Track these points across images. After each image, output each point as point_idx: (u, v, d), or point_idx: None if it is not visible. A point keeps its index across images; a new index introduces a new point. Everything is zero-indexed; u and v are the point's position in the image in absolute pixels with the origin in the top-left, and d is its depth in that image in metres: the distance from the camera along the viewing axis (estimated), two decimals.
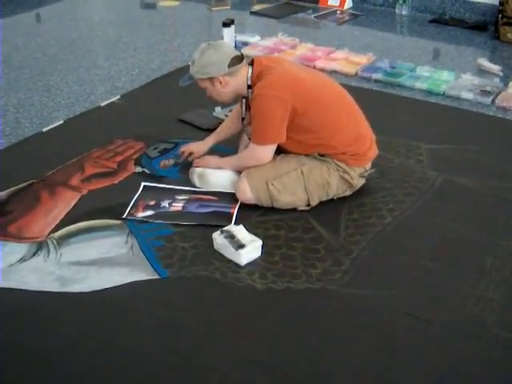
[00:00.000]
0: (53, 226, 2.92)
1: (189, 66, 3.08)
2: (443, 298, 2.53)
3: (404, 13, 6.35)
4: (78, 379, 2.17)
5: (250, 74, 2.99)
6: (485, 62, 4.88)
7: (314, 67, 4.75)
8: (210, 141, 3.38)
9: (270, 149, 3.00)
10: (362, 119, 3.11)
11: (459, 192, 3.22)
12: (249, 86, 3.00)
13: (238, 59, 3.00)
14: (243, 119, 3.17)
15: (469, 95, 4.30)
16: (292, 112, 2.90)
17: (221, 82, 2.98)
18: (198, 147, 3.37)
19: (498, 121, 4.04)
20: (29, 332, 2.37)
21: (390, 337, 2.35)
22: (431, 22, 6.12)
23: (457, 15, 6.16)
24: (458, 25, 5.96)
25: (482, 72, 4.79)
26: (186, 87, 3.10)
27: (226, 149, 3.36)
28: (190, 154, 3.36)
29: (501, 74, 4.73)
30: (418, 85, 4.49)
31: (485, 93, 4.32)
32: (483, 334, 2.35)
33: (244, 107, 3.12)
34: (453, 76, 4.62)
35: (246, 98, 3.07)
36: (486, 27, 5.84)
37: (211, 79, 2.99)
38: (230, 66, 2.96)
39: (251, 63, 3.02)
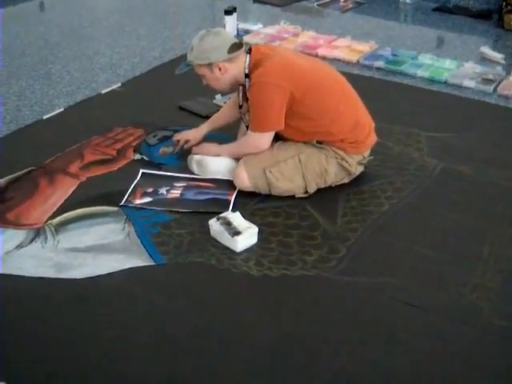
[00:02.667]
0: (51, 212, 2.93)
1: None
2: (440, 286, 2.52)
3: (408, 1, 6.31)
4: (74, 364, 2.18)
5: (247, 62, 2.98)
6: (488, 51, 4.85)
7: (316, 55, 4.74)
8: (205, 128, 3.38)
9: (268, 136, 3.00)
10: (361, 106, 3.10)
11: (458, 180, 3.21)
12: (246, 75, 2.99)
13: (236, 46, 2.99)
14: (241, 107, 3.16)
15: (471, 83, 4.29)
16: (290, 99, 2.89)
17: (220, 69, 2.97)
18: (193, 134, 3.37)
19: (499, 109, 4.02)
20: (26, 318, 2.38)
21: (386, 324, 2.35)
22: (435, 10, 6.09)
23: (461, 3, 6.11)
24: (461, 13, 5.93)
25: (484, 60, 4.76)
26: (186, 75, 3.09)
27: (225, 136, 3.35)
28: (186, 141, 3.36)
29: (504, 62, 4.70)
30: (420, 73, 4.47)
31: (487, 81, 4.30)
32: (479, 321, 2.35)
33: (241, 95, 3.11)
34: (455, 64, 4.60)
35: (244, 85, 3.06)
36: (490, 15, 5.80)
37: (210, 65, 2.97)
38: (229, 52, 2.95)
39: (249, 51, 3.01)
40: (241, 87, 3.10)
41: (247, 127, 3.08)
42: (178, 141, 3.38)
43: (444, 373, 2.15)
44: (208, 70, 2.99)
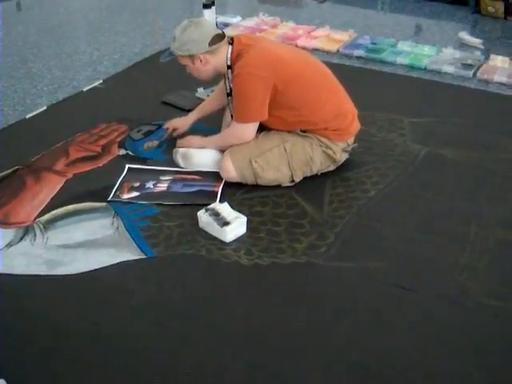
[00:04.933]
0: (39, 210, 2.93)
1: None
2: (428, 268, 2.55)
3: None
4: (67, 361, 2.18)
5: (229, 54, 2.99)
6: (466, 36, 4.90)
7: (296, 46, 4.75)
8: (193, 116, 3.42)
9: (253, 127, 3.01)
10: (343, 94, 3.12)
11: (442, 164, 3.25)
12: (228, 66, 3.01)
13: (218, 37, 3.00)
14: (228, 95, 3.15)
15: (450, 69, 4.33)
16: (273, 90, 2.91)
17: (201, 60, 2.99)
18: (181, 122, 3.42)
19: (479, 93, 4.07)
20: (22, 315, 2.37)
21: (376, 308, 2.37)
22: None
23: None
24: (438, 0, 5.96)
25: (463, 46, 4.82)
26: (168, 67, 3.10)
27: (209, 128, 3.37)
28: (174, 129, 3.40)
29: (482, 47, 4.76)
30: (400, 60, 4.51)
31: (466, 66, 4.34)
32: (468, 302, 2.38)
33: (228, 82, 3.11)
34: (434, 50, 4.64)
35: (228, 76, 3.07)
36: (466, 1, 5.84)
37: (192, 57, 2.99)
38: (210, 44, 2.96)
39: (231, 42, 3.02)
40: (227, 74, 3.10)
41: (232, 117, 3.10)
42: (167, 128, 3.42)
43: (434, 353, 2.18)
44: (190, 61, 3.02)
